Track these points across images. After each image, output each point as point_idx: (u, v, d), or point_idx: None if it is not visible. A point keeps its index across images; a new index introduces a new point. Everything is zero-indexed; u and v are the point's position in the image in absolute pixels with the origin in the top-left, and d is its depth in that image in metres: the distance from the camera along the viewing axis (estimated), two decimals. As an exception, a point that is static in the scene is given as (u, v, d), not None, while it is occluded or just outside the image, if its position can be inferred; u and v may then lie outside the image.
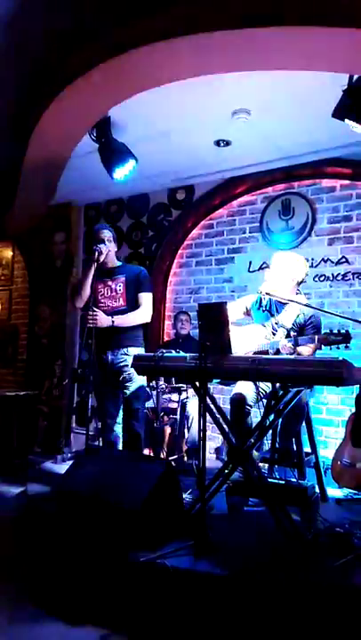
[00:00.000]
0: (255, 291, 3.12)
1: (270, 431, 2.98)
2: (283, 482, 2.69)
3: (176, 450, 4.02)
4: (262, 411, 2.84)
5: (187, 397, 3.99)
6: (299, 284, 3.10)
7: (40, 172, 3.85)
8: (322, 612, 1.90)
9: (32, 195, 4.29)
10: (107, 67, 2.72)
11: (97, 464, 2.77)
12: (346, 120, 2.72)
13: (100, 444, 3.51)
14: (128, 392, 3.22)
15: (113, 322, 3.18)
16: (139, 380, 3.21)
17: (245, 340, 2.98)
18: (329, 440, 3.85)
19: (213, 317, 2.53)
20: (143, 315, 3.30)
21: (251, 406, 2.85)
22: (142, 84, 2.93)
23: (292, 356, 2.60)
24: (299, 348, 2.76)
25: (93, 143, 3.58)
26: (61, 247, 5.55)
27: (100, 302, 3.30)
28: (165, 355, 2.74)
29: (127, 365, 3.15)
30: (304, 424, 3.07)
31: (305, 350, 2.79)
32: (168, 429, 4.11)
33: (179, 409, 3.97)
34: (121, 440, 3.32)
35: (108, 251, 3.29)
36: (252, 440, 2.63)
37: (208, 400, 2.55)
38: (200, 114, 3.51)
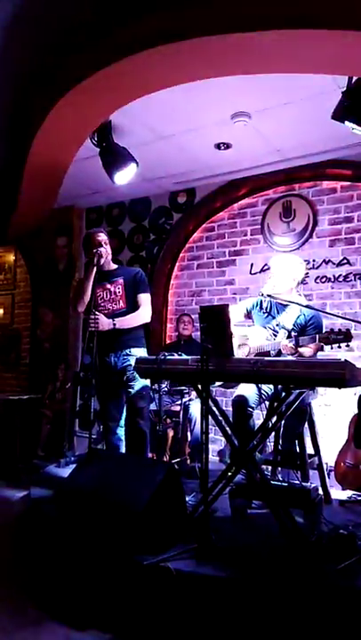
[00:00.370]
0: (257, 293, 3.13)
1: (273, 433, 2.98)
2: (286, 484, 2.69)
3: (179, 453, 4.02)
4: (265, 413, 2.84)
5: (189, 400, 3.99)
6: (299, 284, 3.11)
7: (42, 177, 3.86)
8: (326, 614, 1.89)
9: (34, 199, 4.29)
10: (108, 72, 2.73)
11: (100, 467, 2.76)
12: (346, 122, 2.72)
13: (104, 447, 3.51)
14: (132, 391, 3.22)
15: (114, 324, 3.19)
16: (142, 380, 3.21)
17: (247, 341, 2.98)
18: (332, 442, 3.84)
19: (215, 320, 2.53)
20: (143, 315, 3.31)
21: (253, 408, 2.85)
22: (143, 88, 2.93)
23: (294, 358, 2.60)
24: (300, 349, 2.77)
25: (95, 147, 3.60)
26: (63, 251, 5.55)
27: (100, 306, 3.30)
28: (167, 357, 2.75)
29: (131, 365, 3.16)
30: (307, 426, 3.07)
31: (306, 351, 2.79)
32: (171, 432, 4.10)
33: (181, 411, 3.97)
34: (124, 443, 3.32)
35: (108, 254, 3.31)
36: (255, 442, 2.63)
37: (210, 402, 2.55)
38: (200, 117, 3.52)
